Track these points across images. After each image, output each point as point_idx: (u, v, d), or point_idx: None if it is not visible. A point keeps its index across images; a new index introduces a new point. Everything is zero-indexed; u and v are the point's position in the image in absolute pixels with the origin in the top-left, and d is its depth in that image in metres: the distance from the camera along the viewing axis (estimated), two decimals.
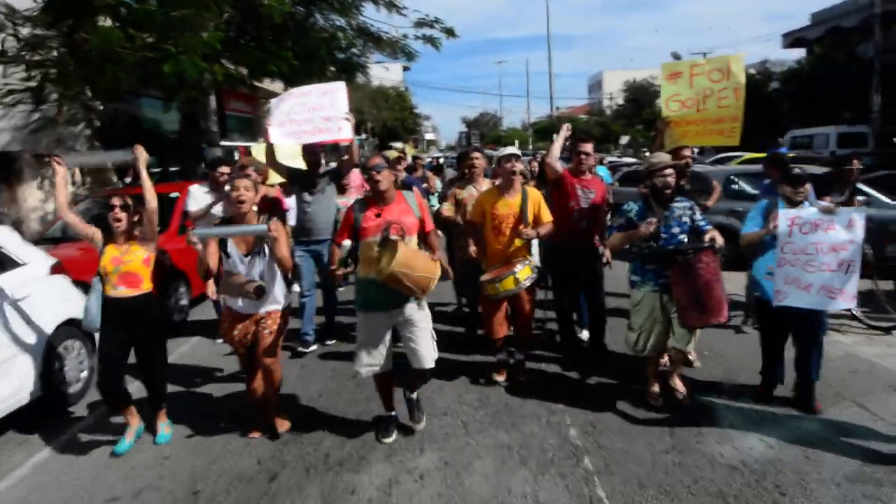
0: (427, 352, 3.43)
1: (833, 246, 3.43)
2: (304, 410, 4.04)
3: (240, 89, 11.25)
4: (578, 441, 3.46)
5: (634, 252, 3.77)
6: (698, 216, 3.72)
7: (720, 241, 3.51)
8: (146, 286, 3.50)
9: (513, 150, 4.29)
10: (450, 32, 10.45)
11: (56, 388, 4.11)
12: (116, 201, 3.43)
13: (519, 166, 4.15)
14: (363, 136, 31.07)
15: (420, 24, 10.35)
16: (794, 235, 3.49)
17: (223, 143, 11.22)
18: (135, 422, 3.62)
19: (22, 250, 4.39)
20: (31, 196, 9.96)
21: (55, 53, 7.55)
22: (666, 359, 4.04)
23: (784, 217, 3.50)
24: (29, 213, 9.54)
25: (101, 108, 10.83)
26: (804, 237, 3.47)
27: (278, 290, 3.49)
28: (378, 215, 3.35)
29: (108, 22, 6.05)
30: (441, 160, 21.89)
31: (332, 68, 10.44)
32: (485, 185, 4.87)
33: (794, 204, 3.60)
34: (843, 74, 22.15)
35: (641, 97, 43.05)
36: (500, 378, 4.28)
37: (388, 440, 3.53)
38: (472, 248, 4.18)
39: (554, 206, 4.35)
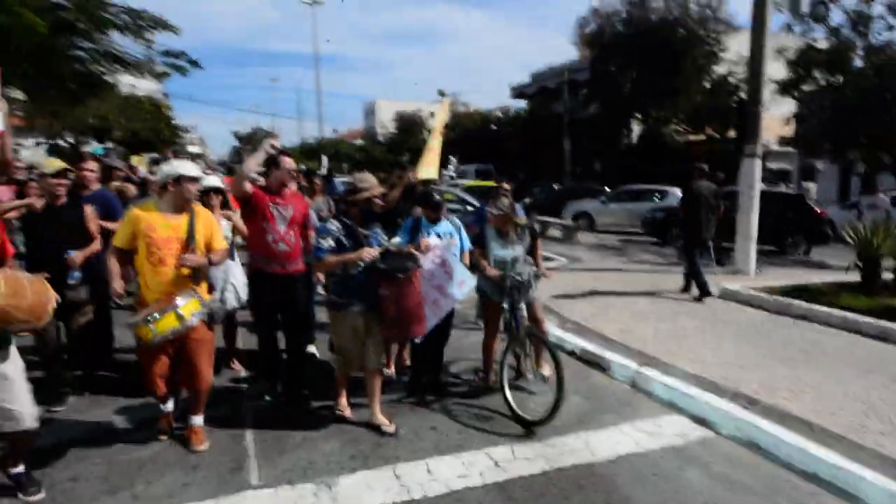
0: (30, 408, 2.97)
1: (448, 271, 4.24)
2: None
3: None
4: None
5: (339, 273, 3.84)
6: (393, 237, 4.16)
7: (422, 259, 3.99)
8: None
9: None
10: (194, 64, 12.76)
11: None
12: None
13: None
14: (109, 144, 29.99)
15: (167, 53, 12.49)
16: (433, 264, 4.19)
17: None
18: None
19: None
20: None
21: None
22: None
23: (434, 246, 4.25)
24: None
25: None
26: (437, 266, 4.20)
27: None
28: None
29: None
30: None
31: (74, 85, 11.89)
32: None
33: (432, 222, 4.54)
34: (546, 124, 29.94)
35: (411, 128, 49.01)
36: (166, 427, 3.78)
37: None
38: (117, 284, 3.53)
39: (248, 230, 4.36)
